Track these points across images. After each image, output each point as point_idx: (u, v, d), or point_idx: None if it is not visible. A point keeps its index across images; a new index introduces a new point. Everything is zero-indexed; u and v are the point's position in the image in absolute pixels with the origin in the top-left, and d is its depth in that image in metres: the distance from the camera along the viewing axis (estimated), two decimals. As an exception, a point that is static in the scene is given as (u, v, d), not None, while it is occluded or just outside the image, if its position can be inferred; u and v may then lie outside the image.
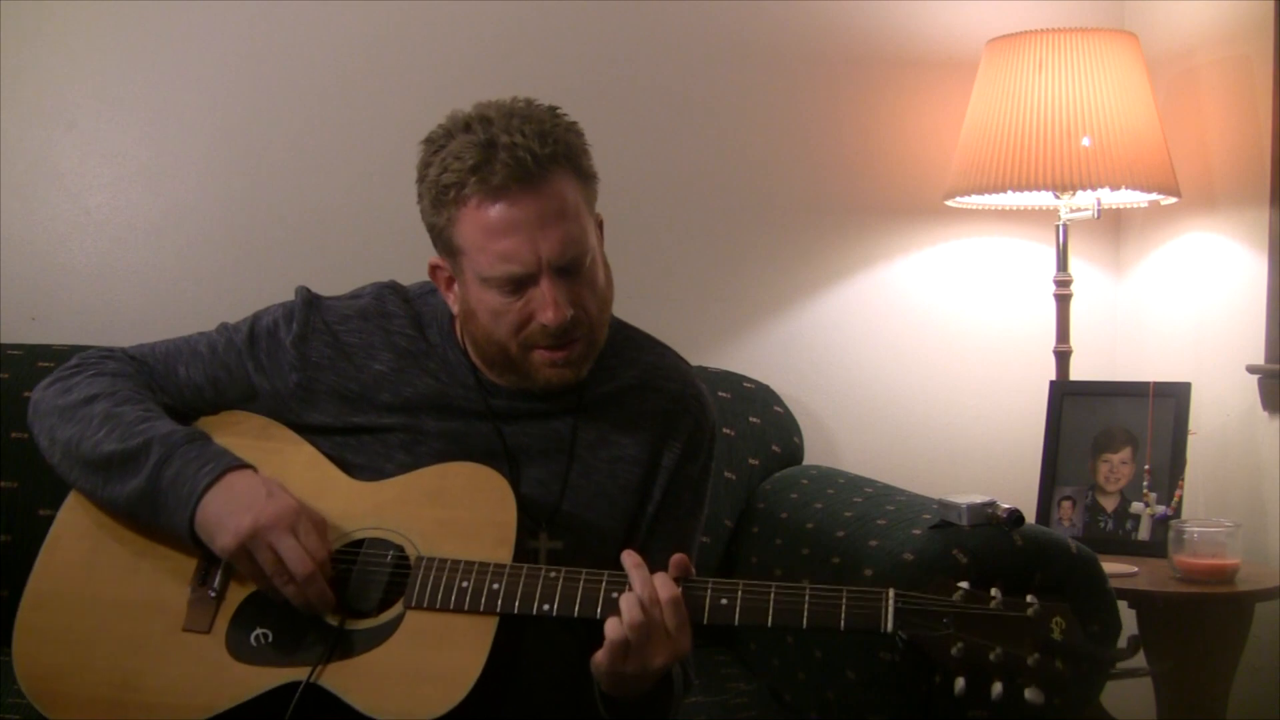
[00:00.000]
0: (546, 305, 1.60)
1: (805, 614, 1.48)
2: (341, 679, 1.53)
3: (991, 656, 1.42)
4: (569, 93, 2.72)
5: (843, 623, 1.48)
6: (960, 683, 1.43)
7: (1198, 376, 2.56)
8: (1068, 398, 2.60)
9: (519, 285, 1.61)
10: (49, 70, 2.54)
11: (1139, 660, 2.29)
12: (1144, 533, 2.44)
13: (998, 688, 1.42)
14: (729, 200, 2.78)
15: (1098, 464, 2.54)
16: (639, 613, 1.47)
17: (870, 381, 2.83)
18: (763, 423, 2.53)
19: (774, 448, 2.52)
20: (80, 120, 2.56)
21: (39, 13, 2.52)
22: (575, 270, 1.62)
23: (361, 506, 1.66)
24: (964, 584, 1.48)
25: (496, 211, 1.59)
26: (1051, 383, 2.64)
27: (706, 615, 1.51)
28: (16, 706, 1.77)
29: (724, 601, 1.50)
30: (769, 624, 1.49)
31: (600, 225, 1.71)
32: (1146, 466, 2.47)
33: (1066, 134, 2.48)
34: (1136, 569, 2.33)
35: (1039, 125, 2.49)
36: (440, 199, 1.62)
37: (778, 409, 2.58)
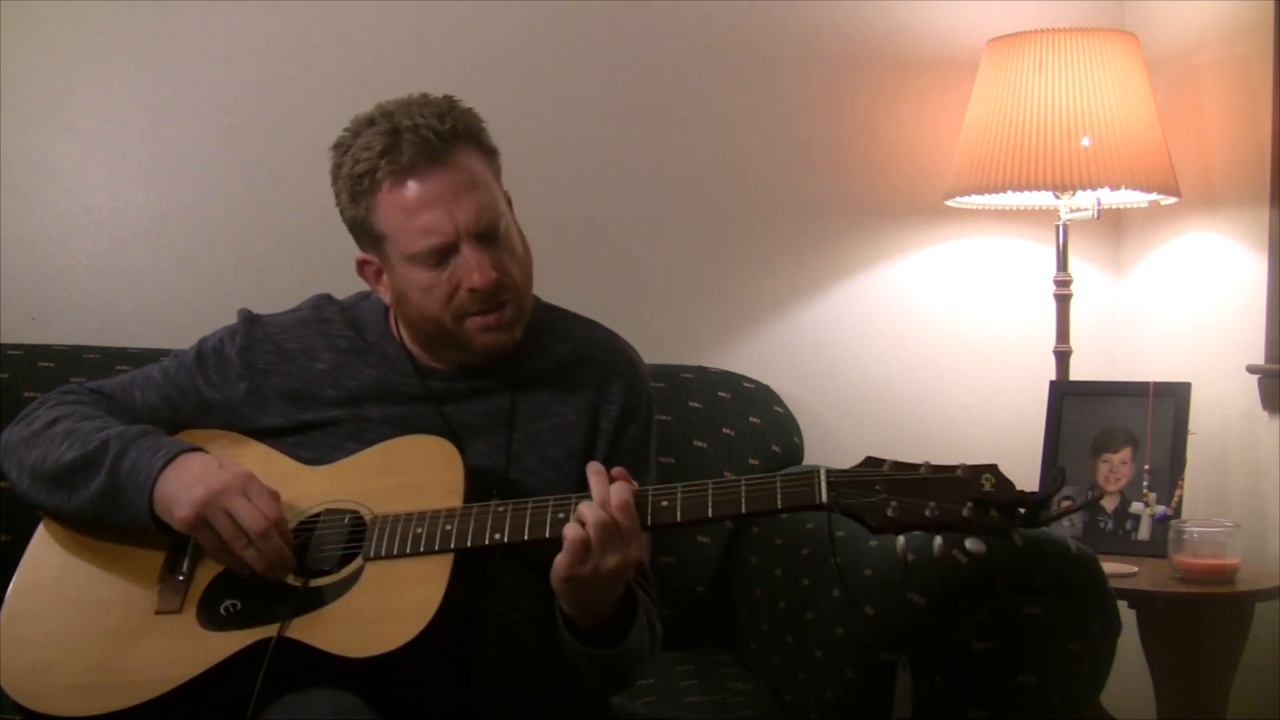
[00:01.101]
0: (471, 270, 1.69)
1: (743, 500, 1.55)
2: (310, 630, 1.58)
3: (926, 513, 1.47)
4: (570, 92, 2.74)
5: (779, 502, 1.53)
6: (901, 541, 1.49)
7: (1198, 376, 2.55)
8: (1068, 398, 2.60)
9: (442, 257, 1.70)
10: (49, 70, 2.54)
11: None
12: (1144, 533, 2.44)
13: (938, 542, 1.49)
14: (729, 200, 2.78)
15: (1098, 464, 2.54)
16: (600, 513, 1.54)
17: (871, 382, 2.83)
18: (763, 423, 2.53)
19: (774, 448, 2.51)
20: (80, 120, 2.56)
21: (39, 13, 2.52)
22: (492, 236, 1.71)
23: (316, 487, 1.73)
24: (890, 459, 1.53)
25: (410, 190, 1.69)
26: (1051, 383, 2.64)
27: (650, 517, 1.57)
28: (18, 706, 1.78)
29: (665, 504, 1.58)
30: (709, 515, 1.55)
31: (509, 201, 1.79)
32: (1146, 466, 2.47)
33: (1066, 134, 2.48)
34: (1136, 569, 2.33)
35: (1039, 125, 2.49)
36: (356, 190, 1.72)
37: (778, 409, 2.58)
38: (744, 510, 1.55)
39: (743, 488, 1.55)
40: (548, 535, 1.59)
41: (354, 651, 1.54)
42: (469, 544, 1.60)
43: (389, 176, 1.69)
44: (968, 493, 1.47)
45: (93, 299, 2.57)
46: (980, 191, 2.56)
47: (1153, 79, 2.59)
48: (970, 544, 1.47)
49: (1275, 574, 2.35)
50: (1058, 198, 2.59)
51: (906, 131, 2.83)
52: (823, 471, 1.53)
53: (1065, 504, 2.44)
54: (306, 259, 2.59)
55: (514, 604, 1.69)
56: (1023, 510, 1.46)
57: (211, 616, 1.65)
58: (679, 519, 1.57)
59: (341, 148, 1.75)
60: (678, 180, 2.76)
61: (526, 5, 2.68)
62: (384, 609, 1.58)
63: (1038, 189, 2.53)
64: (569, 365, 1.84)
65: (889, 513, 1.48)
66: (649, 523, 1.57)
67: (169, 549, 1.71)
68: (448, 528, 1.61)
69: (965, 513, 1.46)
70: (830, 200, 2.81)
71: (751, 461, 2.47)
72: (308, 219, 2.62)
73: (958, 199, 2.67)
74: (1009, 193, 2.54)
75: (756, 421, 2.52)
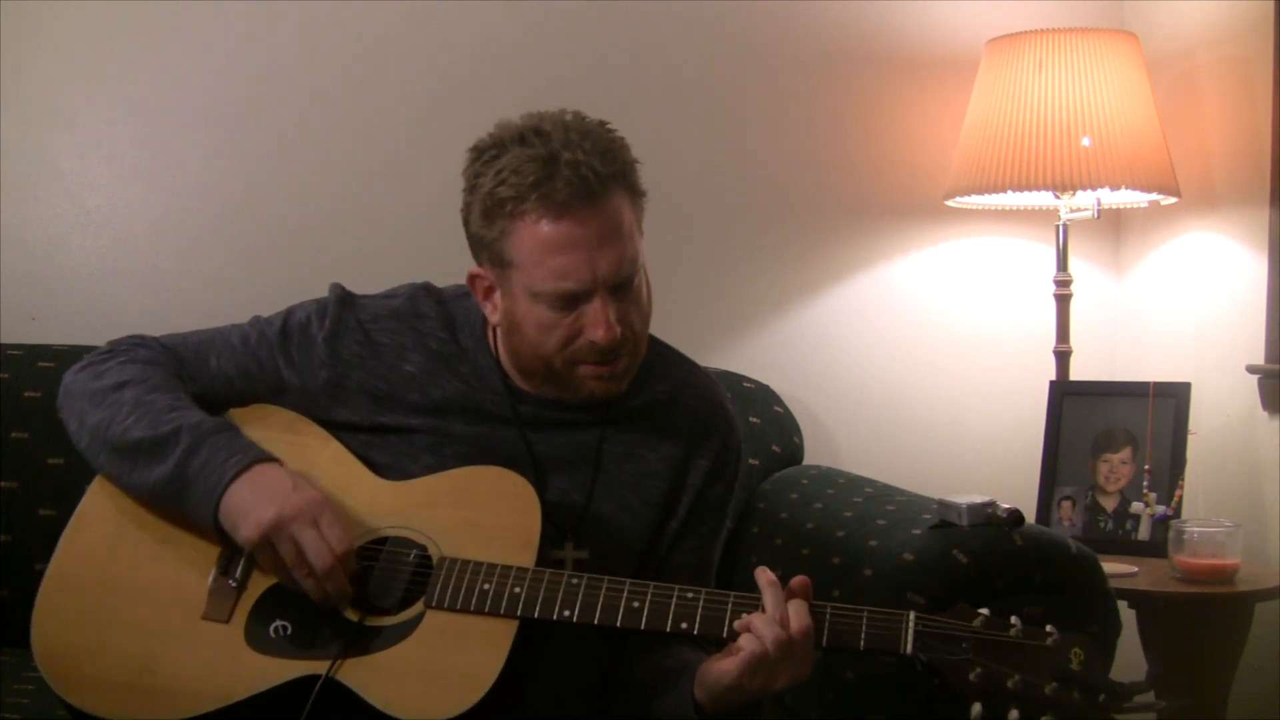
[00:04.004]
0: (599, 324, 1.61)
1: (825, 632, 1.50)
2: (358, 674, 1.53)
3: (1009, 684, 1.43)
4: (568, 92, 2.72)
5: (862, 642, 1.49)
6: (977, 708, 1.44)
7: (1198, 376, 2.55)
8: (1068, 398, 2.60)
9: (570, 302, 1.61)
10: (49, 70, 2.54)
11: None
12: (1144, 533, 2.44)
13: (1014, 715, 1.42)
14: (729, 200, 2.78)
15: (1098, 464, 2.54)
16: (780, 631, 1.47)
17: (870, 381, 2.83)
18: (763, 423, 2.53)
19: (774, 448, 2.51)
20: (80, 120, 2.56)
21: (39, 12, 2.52)
22: (626, 288, 1.63)
23: (386, 505, 1.66)
24: (984, 610, 1.49)
25: (557, 228, 1.59)
26: (1051, 383, 2.64)
27: (727, 628, 1.51)
28: (17, 706, 1.77)
29: (746, 615, 1.50)
30: (823, 644, 1.50)
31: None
32: (1146, 466, 2.47)
33: (1066, 134, 2.48)
34: (1136, 569, 2.33)
35: (1039, 125, 2.49)
36: (495, 211, 1.62)
37: (778, 409, 2.58)
38: (824, 644, 1.50)
39: (827, 619, 1.50)
40: (619, 624, 1.52)
41: (399, 711, 1.49)
42: (536, 615, 1.53)
43: (536, 209, 1.58)
44: (1054, 667, 1.44)
45: (93, 299, 2.56)
46: (980, 191, 2.56)
47: (1153, 79, 2.59)
48: None
49: (1275, 574, 2.35)
50: (1058, 198, 2.58)
51: (907, 131, 2.83)
52: (911, 617, 1.48)
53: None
54: (307, 258, 2.59)
55: (561, 650, 1.63)
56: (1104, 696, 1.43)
57: (259, 636, 1.59)
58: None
59: (482, 157, 1.64)
60: (677, 180, 2.75)
61: (525, 4, 2.68)
62: (438, 669, 1.52)
63: (1038, 189, 2.52)
64: (664, 409, 1.77)
65: (971, 676, 1.44)
66: (724, 634, 1.51)
67: (224, 544, 1.65)
68: (516, 590, 1.53)
69: (1048, 691, 1.42)
70: (830, 200, 2.81)
71: (751, 461, 2.47)
72: (308, 218, 2.63)
73: (958, 199, 2.67)
74: (1009, 193, 2.54)
75: (756, 421, 2.52)
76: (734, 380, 2.58)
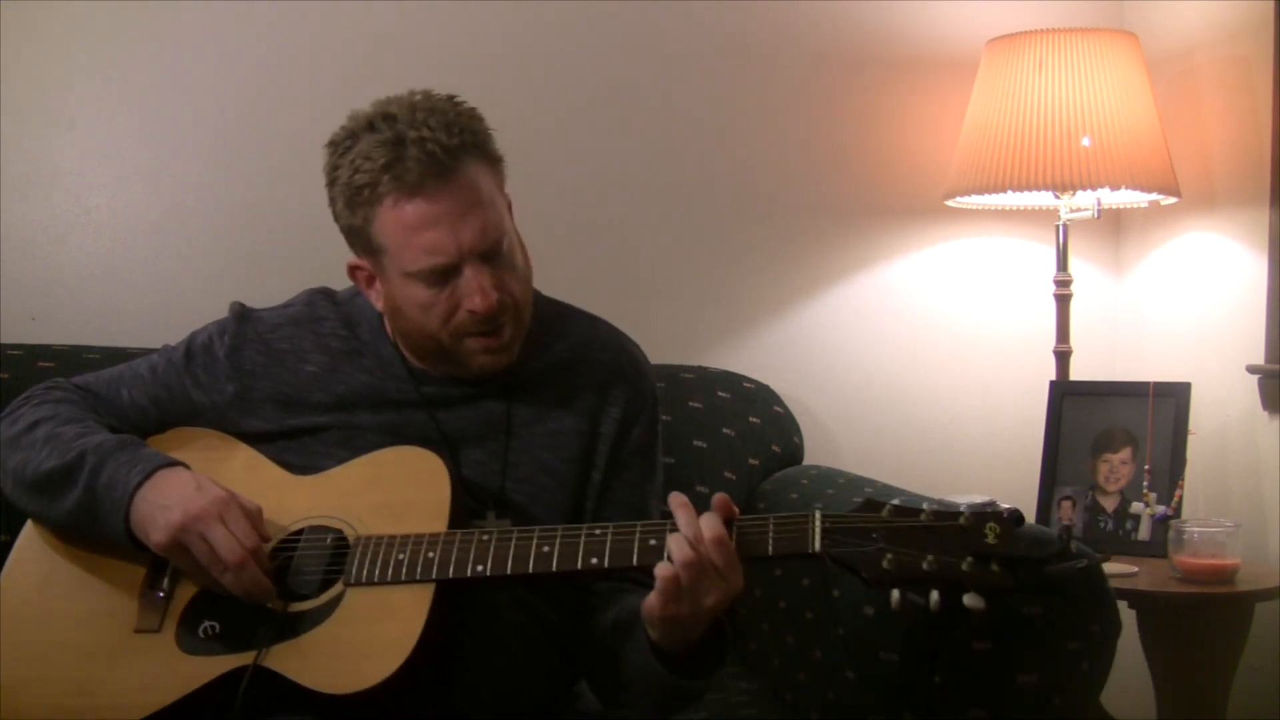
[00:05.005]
0: (473, 293, 1.64)
1: (733, 544, 1.48)
2: (287, 659, 1.56)
3: (924, 565, 1.41)
4: (570, 93, 2.74)
5: (770, 547, 1.48)
6: (895, 595, 1.42)
7: (1198, 376, 2.55)
8: (1068, 398, 2.61)
9: (443, 276, 1.65)
10: (49, 70, 2.54)
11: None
12: (1144, 533, 2.44)
13: (935, 596, 1.40)
14: (729, 200, 2.78)
15: (1098, 464, 2.54)
16: (688, 550, 1.46)
17: (870, 381, 2.83)
18: (763, 423, 2.53)
19: (774, 448, 2.51)
20: (80, 120, 2.56)
21: (39, 12, 2.52)
22: (495, 255, 1.66)
23: (300, 500, 1.69)
24: (895, 501, 1.47)
25: (414, 207, 1.62)
26: (1051, 383, 2.64)
27: (636, 557, 1.51)
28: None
29: (653, 543, 1.51)
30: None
31: (509, 207, 1.73)
32: (1146, 466, 2.47)
33: (1066, 134, 2.48)
34: (1136, 569, 2.33)
35: (1039, 125, 2.49)
36: (354, 200, 1.66)
37: (778, 409, 2.57)
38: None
39: (733, 533, 1.48)
40: (531, 570, 1.54)
41: (330, 687, 1.51)
42: (450, 574, 1.55)
43: (392, 192, 1.62)
44: (969, 544, 1.41)
45: (93, 299, 2.56)
46: (980, 191, 2.57)
47: (1153, 79, 2.59)
48: (969, 600, 1.39)
49: (1275, 574, 2.35)
50: (1058, 198, 2.59)
51: (906, 131, 2.83)
52: (817, 516, 1.47)
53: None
54: (307, 257, 2.56)
55: (499, 616, 1.66)
56: (1023, 565, 1.40)
57: (190, 638, 1.62)
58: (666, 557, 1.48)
59: (338, 149, 1.68)
60: (678, 180, 2.76)
61: (525, 4, 2.68)
62: (362, 642, 1.54)
63: (1038, 189, 2.53)
64: (568, 367, 1.79)
65: (884, 564, 1.41)
66: (635, 561, 1.51)
67: (150, 561, 1.68)
68: (430, 555, 1.56)
69: (965, 567, 1.39)
70: (830, 200, 2.81)
71: (751, 461, 2.47)
72: (308, 217, 2.59)
73: (958, 199, 2.67)
74: (1009, 193, 2.54)
75: (756, 421, 2.52)
76: (734, 380, 2.58)
